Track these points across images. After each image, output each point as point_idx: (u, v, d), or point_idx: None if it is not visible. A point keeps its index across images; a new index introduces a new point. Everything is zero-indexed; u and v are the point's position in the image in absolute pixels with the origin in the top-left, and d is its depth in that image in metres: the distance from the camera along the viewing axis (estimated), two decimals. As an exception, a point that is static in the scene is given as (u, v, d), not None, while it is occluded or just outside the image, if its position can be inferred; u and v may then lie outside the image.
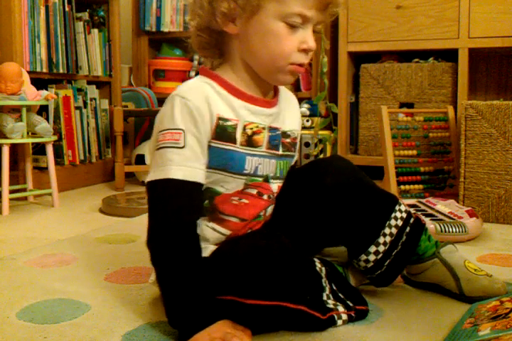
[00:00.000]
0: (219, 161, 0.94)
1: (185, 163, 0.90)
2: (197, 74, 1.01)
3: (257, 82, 0.99)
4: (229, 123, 0.94)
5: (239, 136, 0.95)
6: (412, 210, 1.07)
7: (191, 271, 0.88)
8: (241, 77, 0.98)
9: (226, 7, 0.92)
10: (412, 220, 1.04)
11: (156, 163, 0.92)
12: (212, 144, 0.93)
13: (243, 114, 0.96)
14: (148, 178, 0.92)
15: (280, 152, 1.02)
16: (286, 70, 0.95)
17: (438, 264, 1.07)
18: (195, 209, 0.93)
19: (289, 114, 1.05)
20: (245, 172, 0.97)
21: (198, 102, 0.92)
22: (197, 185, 0.92)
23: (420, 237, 1.06)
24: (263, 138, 0.98)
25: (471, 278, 1.04)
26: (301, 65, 0.95)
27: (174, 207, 0.90)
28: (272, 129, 1.00)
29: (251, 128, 0.97)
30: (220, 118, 0.93)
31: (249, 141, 0.96)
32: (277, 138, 1.01)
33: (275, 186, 1.02)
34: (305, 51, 0.94)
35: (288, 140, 1.03)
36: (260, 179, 0.99)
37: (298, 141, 1.06)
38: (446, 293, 1.07)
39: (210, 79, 0.97)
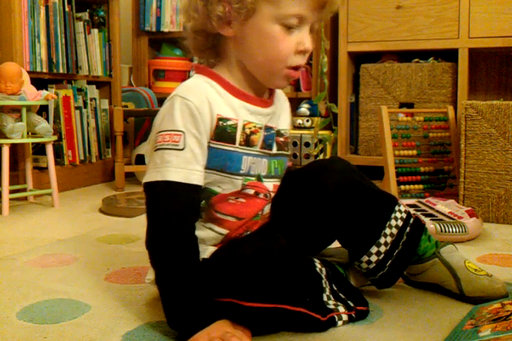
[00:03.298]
0: (217, 162, 0.94)
1: (184, 166, 0.90)
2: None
3: (252, 83, 0.99)
4: (229, 122, 0.94)
5: (238, 136, 0.95)
6: (411, 210, 1.06)
7: (189, 272, 0.88)
8: (237, 77, 0.98)
9: (221, 10, 0.91)
10: (411, 220, 1.04)
11: (154, 164, 0.91)
12: (211, 145, 0.93)
13: (242, 113, 0.96)
14: (146, 179, 0.92)
15: (274, 151, 1.02)
16: (281, 74, 0.95)
17: (438, 264, 1.07)
18: (193, 211, 0.93)
19: (283, 114, 1.06)
20: (241, 172, 0.96)
21: (198, 102, 0.91)
22: (195, 187, 0.91)
23: (421, 237, 1.06)
24: (259, 137, 0.98)
25: (471, 278, 1.04)
26: (296, 69, 0.95)
27: (172, 209, 0.90)
28: (267, 129, 1.00)
29: (249, 128, 0.97)
30: (220, 119, 0.93)
31: (247, 141, 0.97)
32: (271, 138, 1.01)
33: (270, 185, 1.02)
34: (302, 53, 0.94)
35: (281, 139, 1.04)
36: (253, 178, 0.99)
37: (289, 140, 1.07)
38: (446, 293, 1.07)
39: (209, 78, 0.97)
